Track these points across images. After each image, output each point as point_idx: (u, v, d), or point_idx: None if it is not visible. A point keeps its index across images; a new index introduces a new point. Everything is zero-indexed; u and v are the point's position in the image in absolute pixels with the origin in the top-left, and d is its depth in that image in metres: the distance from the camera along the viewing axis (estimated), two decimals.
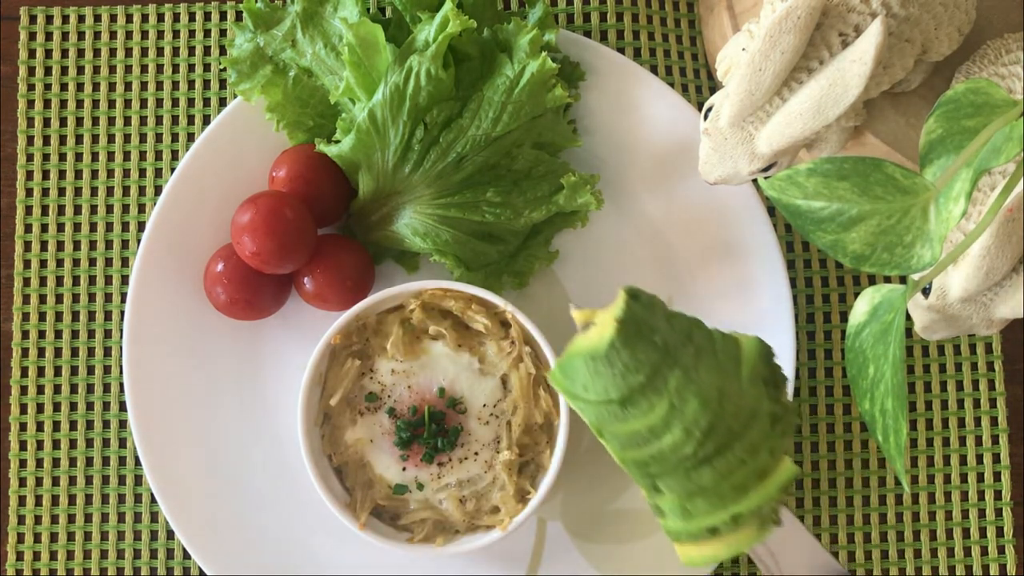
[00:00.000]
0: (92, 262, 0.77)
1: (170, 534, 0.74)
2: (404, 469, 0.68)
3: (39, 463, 0.75)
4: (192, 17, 0.80)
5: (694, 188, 0.73)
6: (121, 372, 0.73)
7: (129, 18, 0.80)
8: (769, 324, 0.72)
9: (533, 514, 0.67)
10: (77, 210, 0.77)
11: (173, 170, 0.73)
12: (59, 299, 0.77)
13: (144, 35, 0.79)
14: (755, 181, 0.70)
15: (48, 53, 0.79)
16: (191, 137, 0.78)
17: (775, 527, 0.54)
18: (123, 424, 0.75)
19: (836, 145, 0.61)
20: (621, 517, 0.74)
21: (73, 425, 0.76)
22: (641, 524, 0.73)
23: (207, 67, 0.79)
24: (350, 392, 0.69)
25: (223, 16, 0.80)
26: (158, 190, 0.77)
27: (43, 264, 0.77)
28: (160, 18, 0.80)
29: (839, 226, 0.44)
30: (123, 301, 0.76)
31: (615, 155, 0.75)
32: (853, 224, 0.44)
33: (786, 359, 0.71)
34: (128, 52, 0.79)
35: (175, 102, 0.79)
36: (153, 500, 0.74)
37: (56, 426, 0.75)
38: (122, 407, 0.75)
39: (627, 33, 0.79)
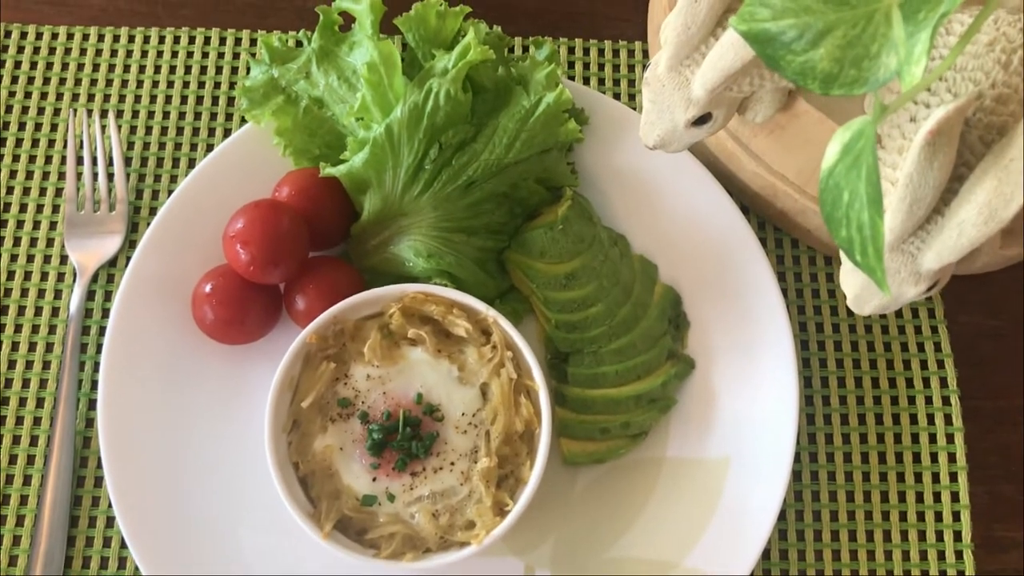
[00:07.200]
0: None
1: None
2: (374, 479, 0.64)
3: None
4: (192, 40, 0.84)
5: (688, 227, 0.74)
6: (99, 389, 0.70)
7: (132, 39, 0.84)
8: (764, 335, 0.71)
9: (510, 528, 0.62)
10: None
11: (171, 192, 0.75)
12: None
13: (160, 54, 0.83)
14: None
15: (47, 77, 0.83)
16: (192, 163, 0.80)
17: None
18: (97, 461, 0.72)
19: (770, 106, 0.61)
20: (616, 566, 0.68)
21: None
22: (637, 573, 0.67)
23: (215, 100, 0.82)
24: (322, 397, 0.66)
25: (222, 41, 0.84)
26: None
27: None
28: (176, 40, 0.84)
29: (807, 44, 0.44)
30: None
31: (609, 194, 0.76)
32: (821, 39, 0.44)
33: (787, 365, 0.69)
34: (127, 70, 0.83)
35: (179, 131, 0.81)
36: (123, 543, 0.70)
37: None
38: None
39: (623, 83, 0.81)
